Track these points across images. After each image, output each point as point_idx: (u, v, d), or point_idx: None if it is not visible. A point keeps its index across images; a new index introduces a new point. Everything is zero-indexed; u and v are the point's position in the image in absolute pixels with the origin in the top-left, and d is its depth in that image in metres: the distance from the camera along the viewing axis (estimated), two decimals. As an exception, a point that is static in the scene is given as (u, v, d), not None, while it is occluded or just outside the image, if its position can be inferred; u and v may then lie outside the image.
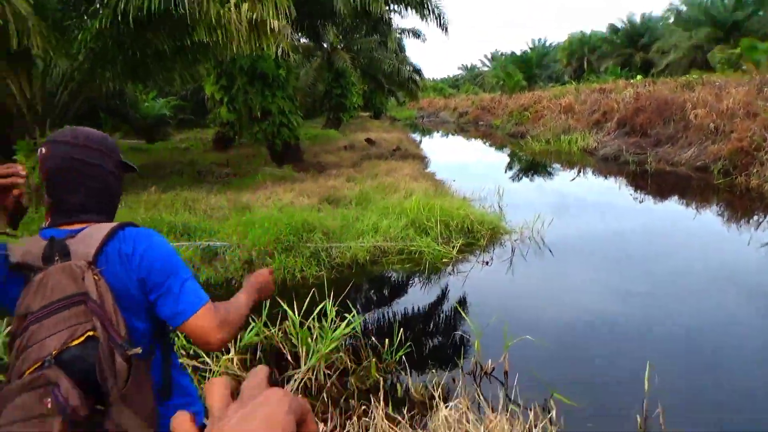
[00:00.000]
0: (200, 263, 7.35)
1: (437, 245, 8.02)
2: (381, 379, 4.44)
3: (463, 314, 5.16)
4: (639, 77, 23.90)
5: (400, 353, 4.71)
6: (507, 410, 3.80)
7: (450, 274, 7.33)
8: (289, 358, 4.79)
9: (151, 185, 11.46)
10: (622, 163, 15.97)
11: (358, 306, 6.43)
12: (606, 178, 14.89)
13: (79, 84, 10.26)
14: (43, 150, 1.52)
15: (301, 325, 4.85)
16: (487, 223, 8.86)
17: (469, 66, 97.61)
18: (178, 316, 1.56)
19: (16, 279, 1.45)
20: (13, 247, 1.45)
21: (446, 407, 3.14)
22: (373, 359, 4.57)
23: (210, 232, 8.01)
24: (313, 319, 4.84)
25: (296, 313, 4.95)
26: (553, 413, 3.75)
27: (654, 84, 20.25)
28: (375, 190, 11.07)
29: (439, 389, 3.98)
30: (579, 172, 15.95)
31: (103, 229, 1.50)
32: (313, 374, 4.48)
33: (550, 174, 16.25)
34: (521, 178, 16.10)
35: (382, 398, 3.72)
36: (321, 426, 3.76)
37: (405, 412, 3.67)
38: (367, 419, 3.63)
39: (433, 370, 4.59)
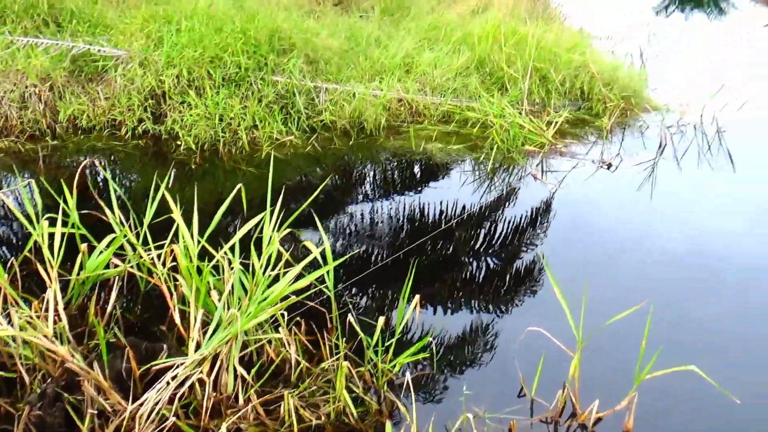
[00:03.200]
0: (68, 83, 5.97)
1: (519, 115, 6.50)
2: (353, 411, 3.13)
3: (553, 284, 3.71)
4: None
5: (405, 355, 3.36)
6: None
7: (535, 179, 5.88)
8: (178, 322, 3.51)
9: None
10: None
11: (337, 222, 5.10)
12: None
13: None
14: None
15: (204, 257, 3.47)
16: (620, 87, 7.28)
17: None
18: None
19: None
20: None
21: None
22: (344, 363, 3.22)
23: (96, 27, 6.54)
24: (230, 249, 3.46)
25: (197, 232, 3.57)
26: None
27: None
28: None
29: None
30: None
31: None
32: (210, 375, 3.18)
33: (732, 12, 14.15)
34: (681, 12, 14.10)
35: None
36: None
37: None
38: None
39: (475, 406, 3.24)
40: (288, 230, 3.67)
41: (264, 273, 3.43)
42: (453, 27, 7.74)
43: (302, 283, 3.41)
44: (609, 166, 6.17)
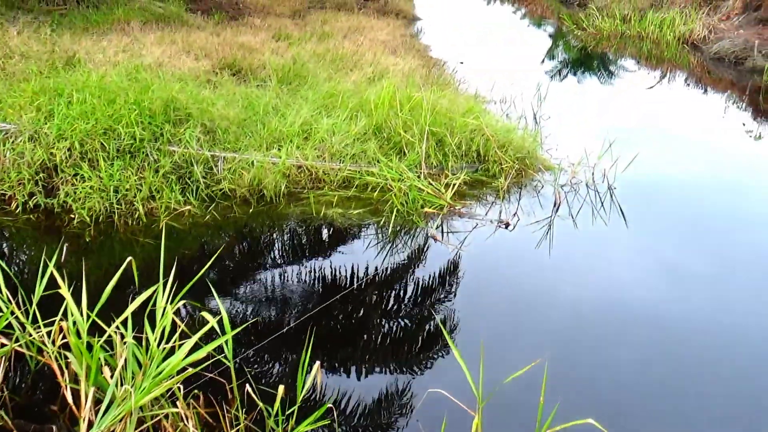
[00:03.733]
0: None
1: (418, 178, 6.56)
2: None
3: (451, 345, 3.73)
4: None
5: (305, 423, 3.29)
6: None
7: (435, 241, 5.92)
8: (70, 400, 3.36)
9: None
10: (747, 71, 14.51)
11: (239, 290, 5.00)
12: (718, 92, 13.48)
13: None
14: None
15: (94, 332, 3.36)
16: (514, 148, 7.43)
17: None
18: None
19: None
20: None
21: None
22: (243, 434, 3.14)
23: (-17, 101, 6.36)
24: (122, 324, 3.36)
25: (90, 307, 3.46)
26: None
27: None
28: (318, 61, 9.48)
29: None
30: (671, 76, 14.51)
31: None
32: (103, 452, 3.05)
33: (620, 75, 14.76)
34: (572, 75, 14.62)
35: None
36: None
37: None
38: None
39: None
40: (183, 301, 3.60)
41: (159, 346, 3.34)
42: (350, 94, 7.81)
43: (199, 355, 3.32)
44: (507, 225, 6.26)
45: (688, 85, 14.06)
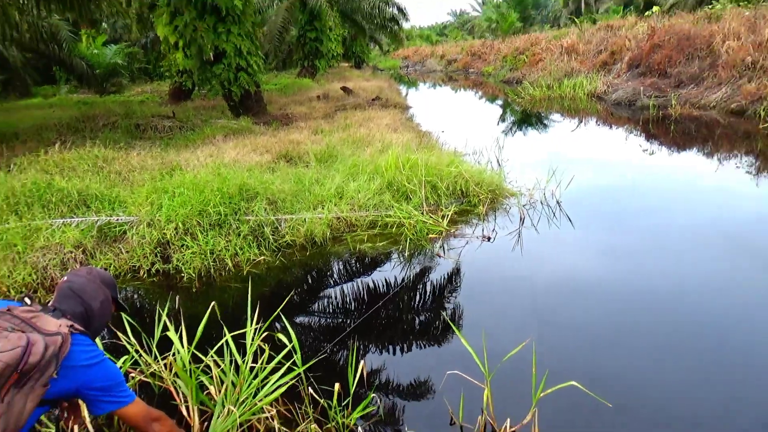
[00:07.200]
0: (96, 245, 5.50)
1: (422, 214, 6.22)
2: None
3: (460, 337, 3.34)
4: (656, 8, 21.16)
5: (358, 410, 2.93)
6: None
7: (439, 257, 5.54)
8: (186, 414, 3.02)
9: (65, 142, 9.41)
10: (639, 108, 14.10)
11: (305, 314, 4.66)
12: (621, 126, 13.05)
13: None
14: (65, 278, 2.28)
15: (196, 359, 3.04)
16: (486, 184, 7.08)
17: (458, 12, 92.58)
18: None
19: None
20: None
21: None
22: (313, 425, 2.77)
23: (114, 203, 6.11)
24: (216, 351, 3.03)
25: (194, 342, 3.13)
26: None
27: (671, 18, 18.18)
28: (344, 144, 9.22)
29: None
30: (586, 121, 14.11)
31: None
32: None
33: (552, 125, 14.39)
34: (519, 130, 14.26)
35: None
36: None
37: None
38: None
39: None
40: (266, 333, 3.26)
41: (246, 365, 3.00)
42: (367, 163, 7.50)
43: (284, 379, 2.98)
44: (488, 239, 5.88)
45: (599, 124, 13.68)
